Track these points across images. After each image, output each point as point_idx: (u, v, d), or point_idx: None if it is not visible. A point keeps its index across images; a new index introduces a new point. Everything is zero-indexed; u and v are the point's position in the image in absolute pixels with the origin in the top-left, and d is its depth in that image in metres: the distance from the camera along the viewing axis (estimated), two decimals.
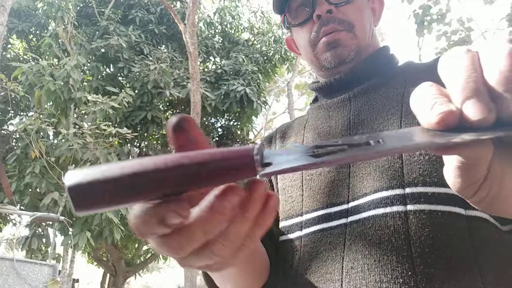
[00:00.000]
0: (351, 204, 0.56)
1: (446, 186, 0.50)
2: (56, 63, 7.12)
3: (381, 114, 0.61)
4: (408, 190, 0.52)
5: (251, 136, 10.96)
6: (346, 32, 0.67)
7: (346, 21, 0.67)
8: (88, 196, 0.27)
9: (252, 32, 11.48)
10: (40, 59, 6.97)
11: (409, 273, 0.47)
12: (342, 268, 0.52)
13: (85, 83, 7.57)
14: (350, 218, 0.55)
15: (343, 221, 0.55)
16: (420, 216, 0.50)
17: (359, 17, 0.68)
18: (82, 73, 6.85)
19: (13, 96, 6.72)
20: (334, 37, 0.66)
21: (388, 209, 0.52)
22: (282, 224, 0.66)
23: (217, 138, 10.01)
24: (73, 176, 0.28)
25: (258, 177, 0.27)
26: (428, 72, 0.63)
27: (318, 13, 0.67)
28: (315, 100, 0.79)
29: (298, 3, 0.71)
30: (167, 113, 9.88)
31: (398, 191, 0.52)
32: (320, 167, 0.62)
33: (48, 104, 6.83)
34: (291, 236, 0.62)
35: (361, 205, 0.55)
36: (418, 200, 0.51)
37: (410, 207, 0.51)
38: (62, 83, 6.29)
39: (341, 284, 0.51)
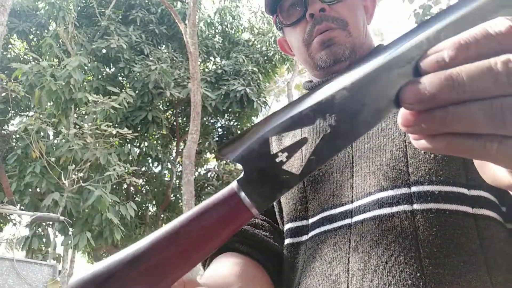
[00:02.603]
0: (355, 204, 0.55)
1: (453, 184, 0.51)
2: (57, 63, 7.12)
3: None
4: (414, 189, 0.51)
5: None
6: (340, 30, 0.66)
7: (340, 19, 0.66)
8: None
9: (253, 32, 11.48)
10: (40, 60, 6.98)
11: (418, 274, 0.46)
12: (348, 270, 0.51)
13: (85, 83, 7.58)
14: (355, 219, 0.54)
15: (347, 221, 0.55)
16: (428, 215, 0.49)
17: (352, 14, 0.67)
18: (83, 73, 6.85)
19: (13, 96, 6.72)
20: (328, 35, 0.65)
21: (394, 209, 0.51)
22: (285, 227, 0.65)
23: (217, 138, 10.01)
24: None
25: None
26: None
27: (311, 12, 0.66)
28: None
29: (290, 2, 0.70)
30: (167, 113, 9.88)
31: (404, 190, 0.52)
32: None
33: (49, 104, 6.83)
34: (297, 240, 0.62)
35: (365, 204, 0.54)
36: (425, 199, 0.50)
37: (416, 206, 0.50)
38: (63, 83, 6.29)
39: (347, 286, 0.50)
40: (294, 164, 0.69)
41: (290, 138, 0.71)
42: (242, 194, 0.27)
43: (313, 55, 0.68)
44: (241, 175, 0.28)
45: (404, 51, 0.24)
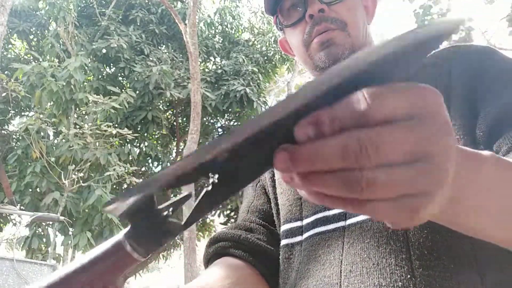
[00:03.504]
0: None
1: None
2: (57, 63, 7.13)
3: None
4: None
5: None
6: (339, 31, 0.65)
7: (339, 19, 0.66)
8: None
9: (253, 32, 11.48)
10: (41, 59, 6.97)
11: (408, 276, 0.47)
12: (341, 272, 0.52)
13: (85, 83, 7.58)
14: (349, 221, 0.54)
15: (341, 223, 0.55)
16: None
17: (352, 15, 0.67)
18: (84, 74, 6.86)
19: (13, 96, 6.72)
20: (328, 36, 0.65)
21: None
22: (281, 228, 0.66)
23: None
24: None
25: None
26: (420, 70, 0.62)
27: (310, 13, 0.66)
28: None
29: (290, 3, 0.70)
30: (168, 113, 9.88)
31: None
32: None
33: (49, 104, 6.83)
34: (292, 241, 0.62)
35: None
36: None
37: None
38: (64, 84, 6.29)
39: None
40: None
41: None
42: (128, 247, 0.29)
43: (313, 56, 0.68)
44: (128, 227, 0.30)
45: (283, 117, 0.25)
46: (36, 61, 6.87)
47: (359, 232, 0.52)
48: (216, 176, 0.27)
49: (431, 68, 0.62)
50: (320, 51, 0.66)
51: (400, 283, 0.46)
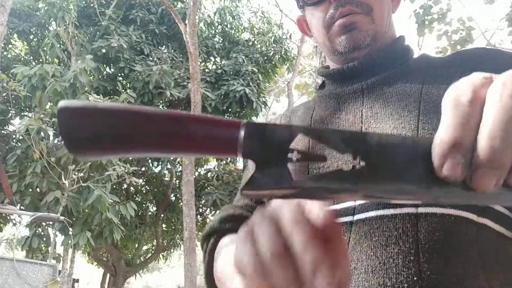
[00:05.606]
0: (358, 201, 0.54)
1: None
2: (57, 63, 7.12)
3: (397, 110, 0.57)
4: None
5: None
6: (363, 16, 0.62)
7: (365, 3, 0.63)
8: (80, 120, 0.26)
9: (252, 32, 11.48)
10: (42, 60, 6.97)
11: (415, 278, 0.45)
12: None
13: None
14: (357, 217, 0.53)
15: (348, 218, 0.53)
16: (431, 219, 0.48)
17: (378, 0, 0.64)
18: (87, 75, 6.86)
19: (13, 96, 6.72)
20: (351, 19, 0.62)
21: (398, 210, 0.49)
22: None
23: None
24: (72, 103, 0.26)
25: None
26: (445, 69, 0.60)
27: None
28: (322, 86, 0.74)
29: None
30: None
31: None
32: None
33: (50, 104, 6.83)
34: None
35: (369, 203, 0.52)
36: (431, 203, 0.49)
37: (421, 209, 0.49)
38: (67, 85, 6.29)
39: None
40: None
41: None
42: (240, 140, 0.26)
43: (333, 39, 0.65)
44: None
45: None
46: (36, 61, 6.87)
47: (367, 229, 0.50)
48: (362, 163, 0.24)
49: (463, 61, 0.60)
50: (341, 34, 0.64)
51: (406, 285, 0.45)
